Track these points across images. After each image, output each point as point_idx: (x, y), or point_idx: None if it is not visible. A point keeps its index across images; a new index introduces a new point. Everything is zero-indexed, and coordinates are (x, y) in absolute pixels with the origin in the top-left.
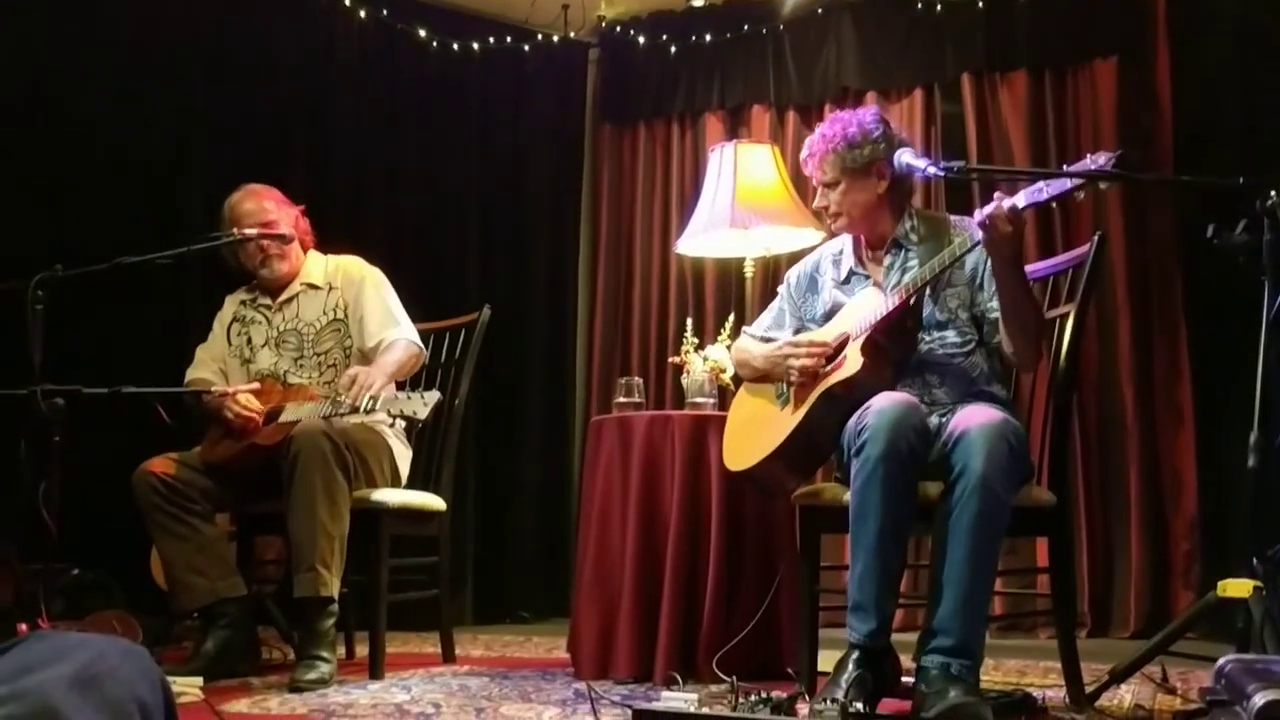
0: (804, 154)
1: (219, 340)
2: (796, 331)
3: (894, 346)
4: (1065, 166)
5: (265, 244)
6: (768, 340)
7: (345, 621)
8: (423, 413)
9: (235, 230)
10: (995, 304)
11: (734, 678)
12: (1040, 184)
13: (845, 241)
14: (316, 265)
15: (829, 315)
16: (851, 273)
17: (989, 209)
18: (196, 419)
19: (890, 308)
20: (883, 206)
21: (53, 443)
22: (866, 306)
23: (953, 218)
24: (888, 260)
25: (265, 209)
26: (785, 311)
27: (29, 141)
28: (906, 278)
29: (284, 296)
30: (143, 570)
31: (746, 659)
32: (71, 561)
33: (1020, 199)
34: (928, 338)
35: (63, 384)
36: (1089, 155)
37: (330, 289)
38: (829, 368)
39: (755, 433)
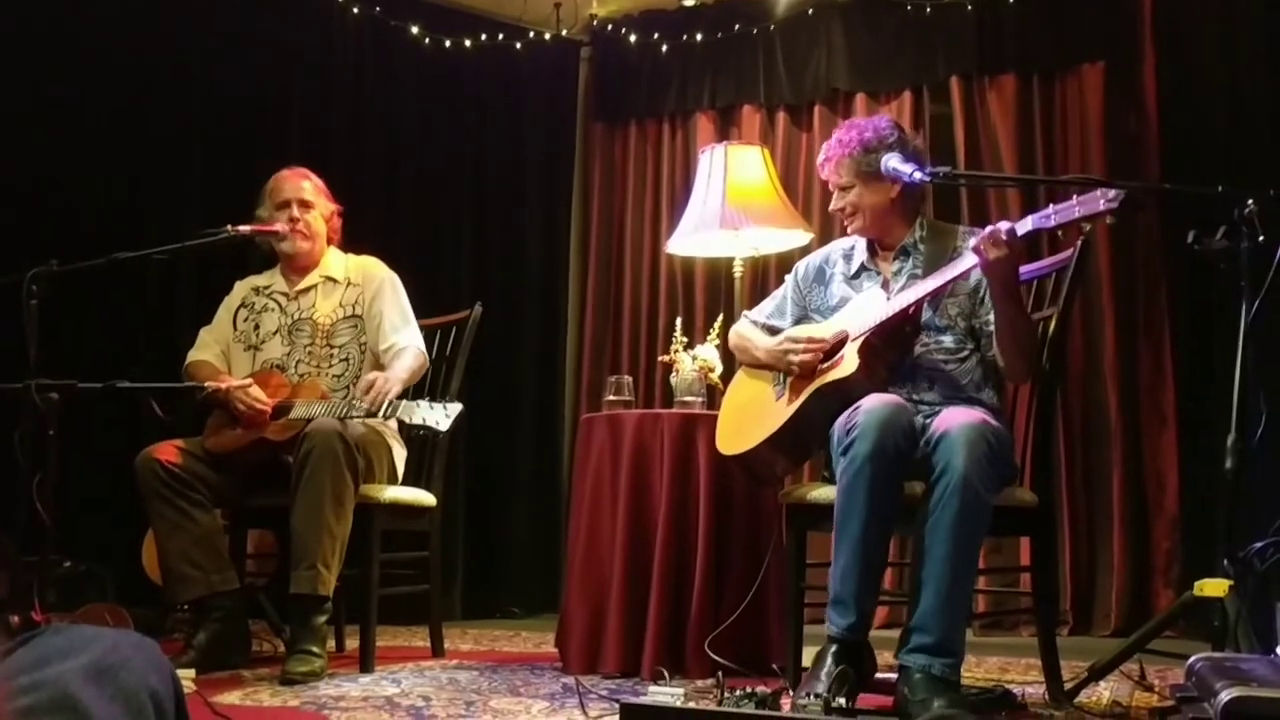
0: (820, 158)
1: (224, 324)
2: (797, 321)
3: (891, 350)
4: (1076, 196)
5: (295, 218)
6: (770, 328)
7: (336, 615)
8: (444, 425)
9: (229, 228)
10: (992, 318)
11: (720, 673)
12: (1049, 210)
13: (858, 239)
14: (337, 261)
15: (838, 308)
16: (863, 267)
17: (984, 233)
18: (196, 407)
19: (892, 313)
20: (895, 211)
21: (47, 437)
22: (868, 308)
23: (961, 229)
24: (895, 265)
25: (303, 189)
26: (789, 300)
27: (26, 136)
28: (912, 284)
29: (301, 286)
30: (135, 563)
31: (733, 653)
32: (65, 554)
33: (1027, 223)
34: (925, 340)
35: (58, 378)
36: (1099, 191)
37: (349, 285)
38: (826, 365)
39: (749, 419)
